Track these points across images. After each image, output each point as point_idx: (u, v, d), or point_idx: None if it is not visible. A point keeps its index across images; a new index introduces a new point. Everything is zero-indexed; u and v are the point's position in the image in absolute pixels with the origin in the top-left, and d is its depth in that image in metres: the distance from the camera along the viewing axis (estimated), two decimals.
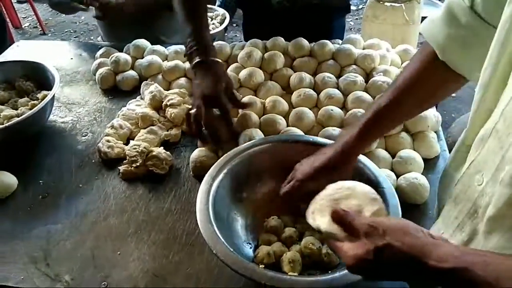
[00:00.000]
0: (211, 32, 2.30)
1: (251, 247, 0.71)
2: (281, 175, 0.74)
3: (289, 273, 0.64)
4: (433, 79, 0.64)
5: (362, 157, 0.73)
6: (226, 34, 3.00)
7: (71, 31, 3.81)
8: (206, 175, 0.74)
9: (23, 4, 4.08)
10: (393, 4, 2.17)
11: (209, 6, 2.61)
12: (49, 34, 3.77)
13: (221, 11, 2.62)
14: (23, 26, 3.90)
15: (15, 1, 3.91)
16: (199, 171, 0.87)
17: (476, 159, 0.52)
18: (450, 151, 0.92)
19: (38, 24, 3.78)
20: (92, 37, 3.64)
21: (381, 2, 2.20)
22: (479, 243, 0.51)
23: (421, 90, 0.65)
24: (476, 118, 0.54)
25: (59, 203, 0.86)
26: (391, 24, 1.93)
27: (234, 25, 3.45)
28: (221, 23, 2.52)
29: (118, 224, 0.80)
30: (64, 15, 3.85)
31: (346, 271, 0.57)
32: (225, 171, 0.75)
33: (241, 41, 1.26)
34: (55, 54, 1.37)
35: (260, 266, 0.61)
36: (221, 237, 0.63)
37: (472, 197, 0.52)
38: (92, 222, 0.81)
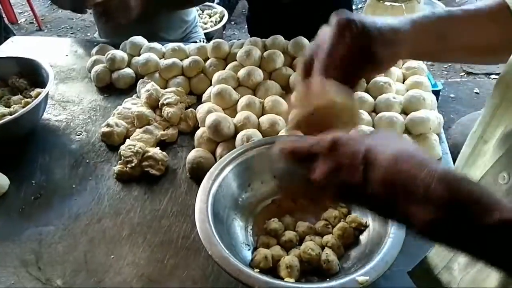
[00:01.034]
0: (209, 30, 2.30)
1: (249, 249, 0.70)
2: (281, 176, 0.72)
3: (285, 279, 0.62)
4: (497, 28, 0.55)
5: None
6: (224, 32, 2.99)
7: (68, 27, 3.78)
8: (208, 173, 0.72)
9: None
10: (393, 3, 2.15)
11: (207, 3, 2.61)
12: (46, 30, 3.73)
13: (220, 8, 2.61)
14: (19, 22, 3.85)
15: None
16: (196, 173, 0.85)
17: (501, 156, 0.48)
18: (451, 152, 0.90)
19: (34, 19, 3.74)
20: (89, 34, 3.61)
21: (381, 2, 2.19)
22: None
23: (482, 32, 0.55)
24: (498, 113, 0.50)
25: (52, 204, 0.84)
26: None
27: (233, 23, 3.43)
28: (219, 21, 2.51)
29: (112, 227, 0.78)
30: (61, 10, 3.83)
31: (344, 280, 0.56)
32: (227, 170, 0.73)
33: (240, 39, 1.23)
34: (50, 51, 1.34)
35: (256, 270, 0.59)
36: (217, 238, 0.61)
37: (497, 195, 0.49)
38: (85, 224, 0.79)
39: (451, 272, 0.56)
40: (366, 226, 0.67)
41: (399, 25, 0.51)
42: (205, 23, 2.42)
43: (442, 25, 0.54)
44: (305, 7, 1.29)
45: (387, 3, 2.16)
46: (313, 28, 1.13)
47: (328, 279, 0.62)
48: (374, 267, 0.55)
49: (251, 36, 1.55)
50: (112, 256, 0.73)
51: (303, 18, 1.23)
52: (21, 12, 4.01)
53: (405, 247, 0.69)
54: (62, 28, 3.77)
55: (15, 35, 1.96)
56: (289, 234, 0.69)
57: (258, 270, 0.62)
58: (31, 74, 1.09)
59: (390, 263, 0.55)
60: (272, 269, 0.65)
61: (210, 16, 2.54)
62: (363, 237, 0.67)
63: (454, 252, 0.41)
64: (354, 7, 3.94)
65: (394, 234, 0.58)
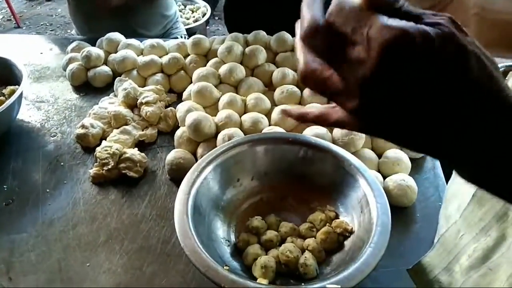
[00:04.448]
0: (192, 25, 2.26)
1: (229, 245, 0.67)
2: (267, 174, 0.72)
3: (258, 279, 0.59)
4: None
5: (358, 163, 0.69)
6: (208, 27, 2.94)
7: (47, 24, 3.68)
8: (195, 165, 0.69)
9: None
10: None
11: None
12: (24, 28, 3.63)
13: (203, 3, 2.56)
14: None
15: None
16: (176, 174, 0.82)
17: None
18: None
19: (12, 17, 3.63)
20: (69, 30, 3.53)
21: None
22: (508, 250, 0.45)
23: None
24: None
25: (24, 211, 0.80)
26: None
27: (216, 18, 3.38)
28: (202, 16, 2.46)
29: (88, 233, 0.74)
30: (40, 7, 3.72)
31: (315, 286, 0.53)
32: (213, 164, 0.70)
33: (224, 35, 1.20)
34: (25, 49, 1.29)
35: (225, 267, 0.57)
36: (193, 231, 0.59)
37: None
38: (59, 231, 0.75)
39: (452, 274, 0.54)
40: (351, 232, 0.65)
41: None
42: (188, 19, 2.38)
43: None
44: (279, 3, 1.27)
45: None
46: (289, 26, 1.11)
47: (303, 284, 0.59)
48: (348, 276, 0.53)
49: (227, 26, 1.52)
50: (88, 264, 0.70)
51: (281, 4, 1.21)
52: None
53: (404, 247, 0.69)
54: (41, 25, 3.68)
55: None
56: (270, 234, 0.67)
57: (228, 268, 0.59)
58: (3, 73, 1.04)
59: (367, 272, 0.53)
60: (249, 268, 0.63)
61: (193, 11, 2.49)
62: (347, 243, 0.64)
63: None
64: None
65: (375, 243, 0.56)
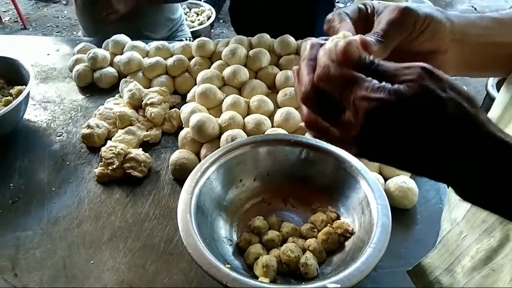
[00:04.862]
0: (197, 28, 2.27)
1: (231, 244, 0.68)
2: (269, 175, 0.74)
3: (260, 278, 0.60)
4: None
5: (359, 165, 0.69)
6: (212, 30, 2.96)
7: (53, 25, 3.72)
8: (198, 165, 0.70)
9: None
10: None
11: (195, 1, 2.58)
12: (30, 29, 3.67)
13: (207, 6, 2.58)
14: (3, 21, 3.78)
15: None
16: (180, 174, 0.83)
17: None
18: None
19: (19, 18, 3.67)
20: (75, 32, 3.55)
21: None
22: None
23: None
24: (507, 116, 0.48)
25: (30, 209, 0.81)
26: None
27: (221, 21, 3.40)
28: (207, 19, 2.48)
29: (92, 231, 0.76)
30: (46, 9, 3.76)
31: (315, 285, 0.54)
32: (216, 165, 0.71)
33: (228, 38, 1.22)
34: (32, 50, 1.31)
35: (227, 266, 0.58)
36: (195, 230, 0.60)
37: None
38: (64, 228, 0.77)
39: (453, 274, 0.54)
40: (352, 233, 0.65)
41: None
42: (193, 22, 2.40)
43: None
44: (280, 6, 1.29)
45: None
46: (289, 29, 1.13)
47: (303, 283, 0.60)
48: (348, 276, 0.53)
49: (234, 27, 1.54)
50: (92, 262, 0.71)
51: (285, 7, 1.23)
52: (5, 11, 3.93)
53: (404, 249, 0.69)
54: (48, 26, 3.71)
55: None
56: (272, 234, 0.68)
57: (230, 266, 0.60)
58: (10, 74, 1.06)
59: (366, 272, 0.54)
60: (251, 267, 0.63)
61: (198, 15, 2.51)
62: (348, 244, 0.65)
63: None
64: (342, 6, 3.95)
65: (375, 243, 0.57)
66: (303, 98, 0.38)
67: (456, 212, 0.62)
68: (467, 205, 0.57)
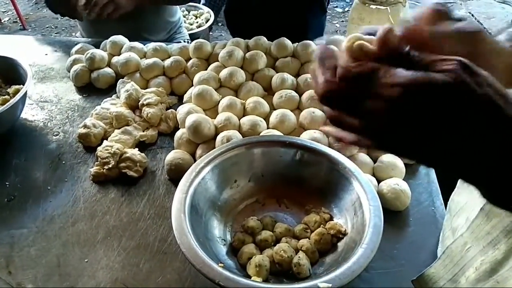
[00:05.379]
0: (195, 31, 2.28)
1: (224, 244, 0.69)
2: (263, 176, 0.74)
3: (253, 278, 0.60)
4: None
5: (352, 167, 0.70)
6: (211, 33, 2.97)
7: (52, 26, 3.72)
8: (193, 165, 0.71)
9: None
10: (378, 6, 2.17)
11: (193, 4, 2.59)
12: (30, 29, 3.68)
13: (206, 9, 2.60)
14: (2, 21, 3.79)
15: None
16: (175, 174, 0.83)
17: None
18: None
19: (18, 18, 3.68)
20: (73, 33, 3.56)
21: (366, 5, 2.21)
22: None
23: None
24: None
25: (26, 207, 0.81)
26: None
27: (219, 24, 3.42)
28: (206, 21, 2.49)
29: (87, 230, 0.76)
30: (46, 9, 3.76)
31: (306, 284, 0.55)
32: (212, 165, 0.72)
33: (226, 41, 1.23)
34: (30, 50, 1.32)
35: (220, 265, 0.58)
36: (189, 229, 0.60)
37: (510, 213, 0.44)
38: (59, 227, 0.77)
39: (458, 285, 0.55)
40: (344, 234, 0.66)
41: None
42: (191, 24, 2.41)
43: None
44: (273, 9, 1.31)
45: (373, 7, 2.18)
46: (283, 32, 1.14)
47: (295, 283, 0.61)
48: (339, 275, 0.54)
49: (229, 30, 1.55)
50: (86, 260, 0.71)
51: (278, 11, 1.24)
52: (5, 11, 3.94)
53: (396, 250, 0.70)
54: (47, 27, 3.72)
55: None
56: (265, 234, 0.68)
57: (223, 265, 0.60)
58: (8, 73, 1.06)
59: (357, 272, 0.54)
60: (244, 267, 0.64)
61: (196, 17, 2.52)
62: (340, 244, 0.66)
63: None
64: (340, 10, 3.97)
65: (367, 244, 0.57)
66: (322, 97, 0.38)
67: (456, 221, 0.62)
68: (467, 215, 0.58)
